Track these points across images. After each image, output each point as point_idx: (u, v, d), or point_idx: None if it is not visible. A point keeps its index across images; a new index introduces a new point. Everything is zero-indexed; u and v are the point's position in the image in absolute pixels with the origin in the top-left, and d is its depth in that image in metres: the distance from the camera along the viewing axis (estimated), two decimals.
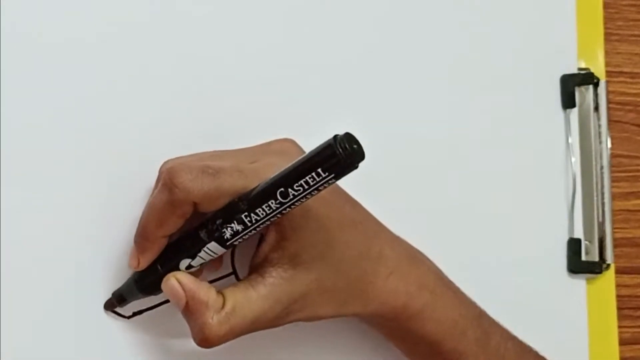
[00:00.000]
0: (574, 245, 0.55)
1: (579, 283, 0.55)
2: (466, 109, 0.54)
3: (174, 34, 0.48)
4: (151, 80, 0.48)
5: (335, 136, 0.38)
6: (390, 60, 0.53)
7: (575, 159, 0.55)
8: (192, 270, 0.43)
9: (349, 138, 0.38)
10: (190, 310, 0.42)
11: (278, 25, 0.50)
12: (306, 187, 0.38)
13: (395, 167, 0.50)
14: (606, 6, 0.57)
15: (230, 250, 0.48)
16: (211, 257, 0.43)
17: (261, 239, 0.44)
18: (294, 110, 0.50)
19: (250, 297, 0.42)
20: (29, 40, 0.46)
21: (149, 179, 0.45)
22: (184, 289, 0.42)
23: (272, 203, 0.40)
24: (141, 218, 0.44)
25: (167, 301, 0.47)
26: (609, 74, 0.57)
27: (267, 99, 0.50)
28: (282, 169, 0.40)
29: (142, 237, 0.43)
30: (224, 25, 0.49)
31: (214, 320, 0.41)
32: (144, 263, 0.44)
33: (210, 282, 0.48)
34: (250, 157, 0.44)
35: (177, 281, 0.42)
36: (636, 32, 0.58)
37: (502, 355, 0.47)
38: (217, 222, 0.42)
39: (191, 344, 0.47)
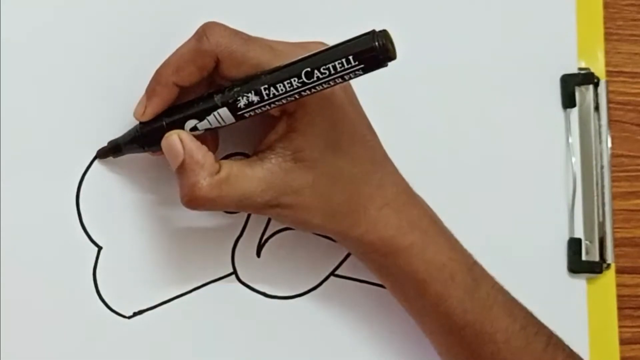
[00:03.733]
0: (574, 245, 0.55)
1: (580, 283, 0.55)
2: (466, 109, 0.54)
3: None
4: None
5: (374, 30, 0.38)
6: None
7: (576, 159, 0.55)
8: (195, 133, 0.43)
9: (386, 35, 0.38)
10: (185, 168, 0.42)
11: None
12: (332, 72, 0.38)
13: None
14: (606, 6, 0.57)
15: (230, 251, 0.48)
16: (218, 125, 0.43)
17: (269, 129, 0.44)
18: None
19: (246, 174, 0.42)
20: None
21: None
22: (183, 147, 0.42)
23: (294, 81, 0.40)
24: (160, 65, 0.43)
25: (167, 301, 0.47)
26: (609, 73, 0.57)
27: None
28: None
29: (155, 80, 0.43)
30: None
31: (205, 182, 0.42)
32: (150, 112, 0.43)
33: (210, 282, 0.48)
34: (285, 45, 0.44)
35: (178, 138, 0.42)
36: (636, 32, 0.58)
37: (490, 306, 0.46)
38: (235, 89, 0.42)
39: (191, 344, 0.48)
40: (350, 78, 0.39)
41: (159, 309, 0.47)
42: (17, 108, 0.46)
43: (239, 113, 0.42)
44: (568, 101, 0.55)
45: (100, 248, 0.47)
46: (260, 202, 0.43)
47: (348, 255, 0.50)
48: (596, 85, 0.55)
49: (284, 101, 0.41)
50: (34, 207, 0.45)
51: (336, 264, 0.50)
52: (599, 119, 0.55)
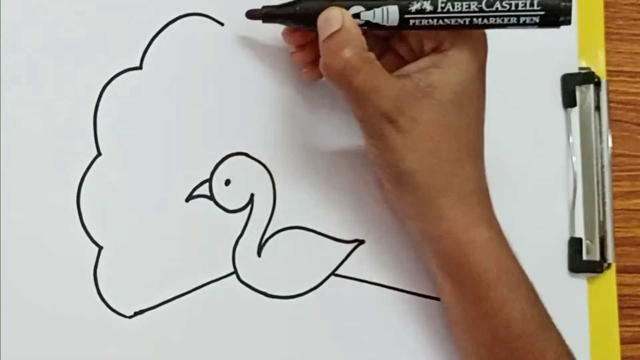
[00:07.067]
0: (575, 245, 0.55)
1: (580, 282, 0.55)
2: None
3: None
4: None
5: None
6: None
7: (576, 159, 0.55)
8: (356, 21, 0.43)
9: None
10: (337, 36, 0.42)
11: None
12: (513, 8, 0.40)
13: None
14: (607, 5, 0.57)
15: (231, 250, 0.48)
16: (380, 21, 0.43)
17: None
18: None
19: (385, 74, 0.43)
20: None
21: None
22: (343, 21, 0.42)
23: (473, 4, 0.41)
24: None
25: (167, 301, 0.47)
26: (609, 73, 0.57)
27: None
28: None
29: None
30: None
31: (354, 51, 0.42)
32: None
33: (210, 282, 0.48)
34: None
35: (341, 13, 0.43)
36: (637, 31, 0.58)
37: (546, 324, 0.45)
38: None
39: (192, 343, 0.48)
40: (524, 24, 0.41)
41: (160, 309, 0.47)
42: (17, 108, 0.46)
43: (407, 17, 0.42)
44: (568, 101, 0.55)
45: (100, 248, 0.47)
46: (383, 107, 0.43)
47: (348, 255, 0.50)
48: (597, 84, 0.55)
49: (453, 21, 0.41)
50: (34, 207, 0.46)
51: (336, 264, 0.50)
52: (600, 119, 0.55)
